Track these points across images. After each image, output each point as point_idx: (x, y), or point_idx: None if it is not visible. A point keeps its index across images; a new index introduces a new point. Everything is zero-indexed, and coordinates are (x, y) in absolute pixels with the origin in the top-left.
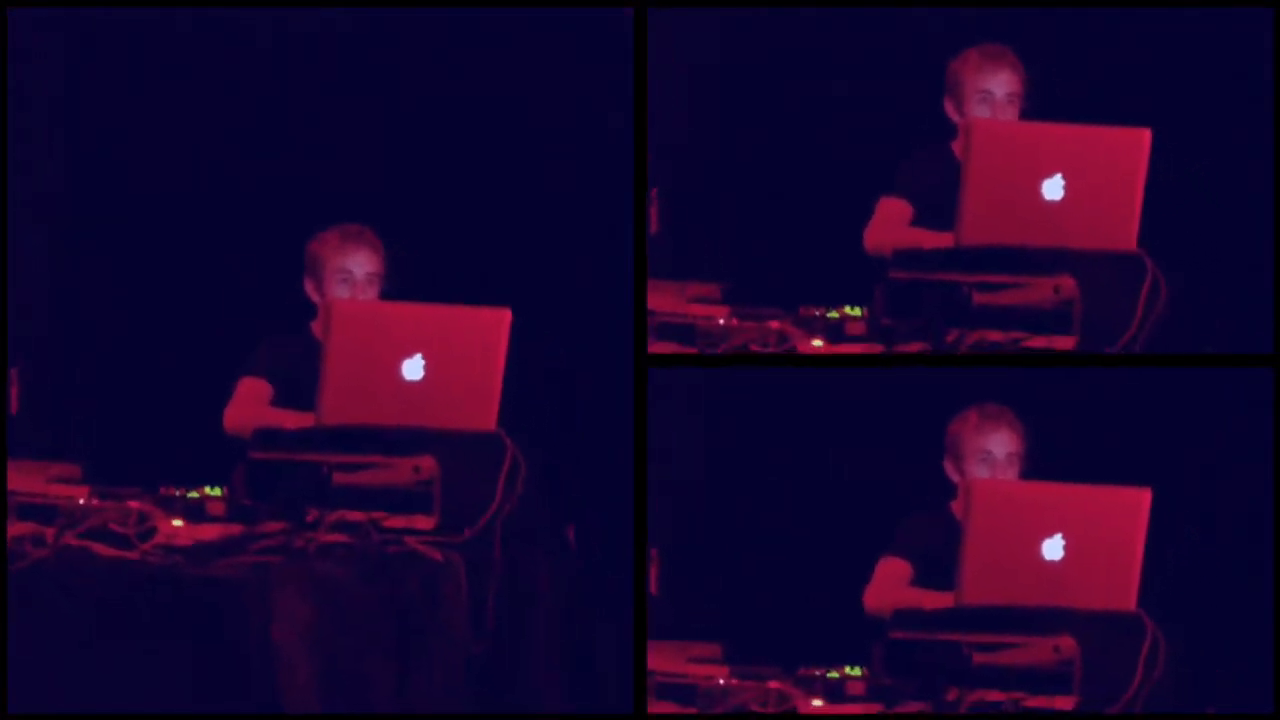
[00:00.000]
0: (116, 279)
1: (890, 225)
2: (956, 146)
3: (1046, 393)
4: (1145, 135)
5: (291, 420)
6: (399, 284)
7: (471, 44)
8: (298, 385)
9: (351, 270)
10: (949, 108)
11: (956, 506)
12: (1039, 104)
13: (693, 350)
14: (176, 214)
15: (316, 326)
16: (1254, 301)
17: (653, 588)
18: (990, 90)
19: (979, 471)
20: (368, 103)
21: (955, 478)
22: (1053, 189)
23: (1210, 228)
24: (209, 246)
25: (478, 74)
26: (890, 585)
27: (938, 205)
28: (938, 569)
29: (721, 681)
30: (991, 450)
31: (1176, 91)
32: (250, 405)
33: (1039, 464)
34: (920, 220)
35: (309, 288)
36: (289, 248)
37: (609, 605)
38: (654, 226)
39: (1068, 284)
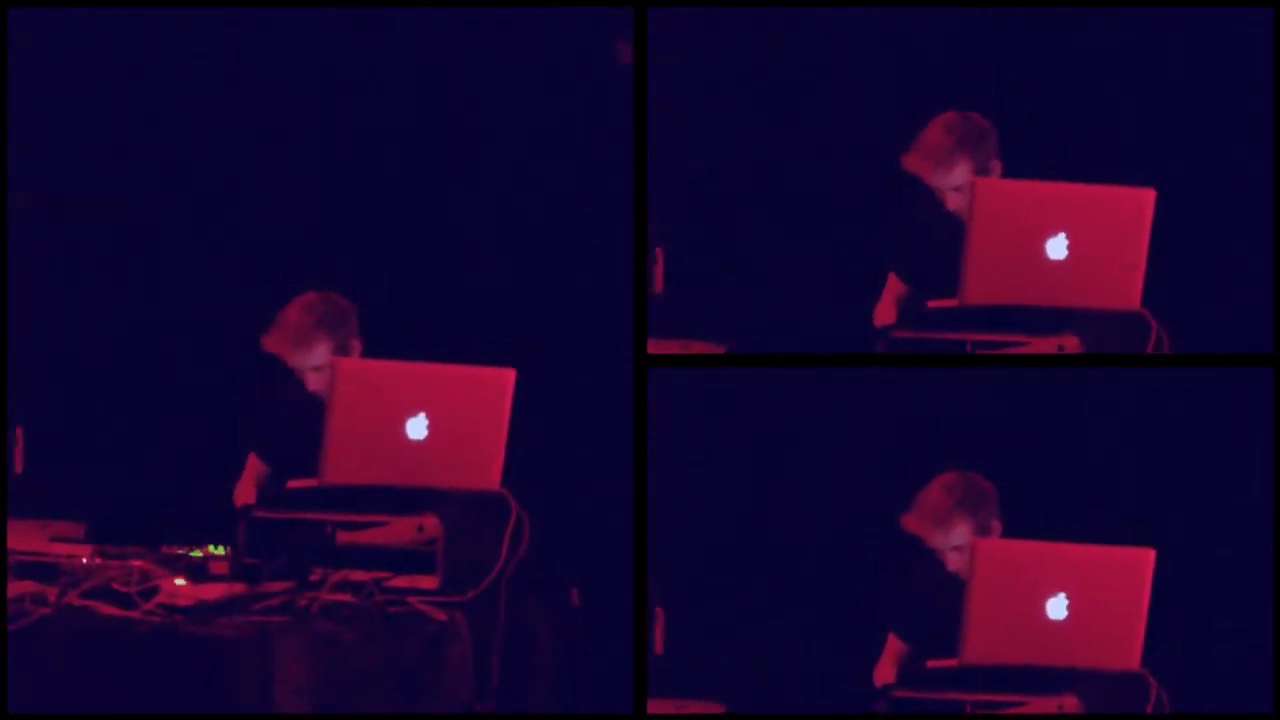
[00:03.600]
0: (120, 338)
1: (887, 303)
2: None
3: (1047, 393)
4: (1149, 195)
5: None
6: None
7: (464, 53)
8: (298, 440)
9: (298, 366)
10: None
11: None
12: (1041, 139)
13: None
14: (180, 270)
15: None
16: (1254, 301)
17: (658, 647)
18: (940, 188)
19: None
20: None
21: None
22: (1056, 248)
23: (1210, 228)
24: (213, 304)
25: (469, 88)
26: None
27: (933, 264)
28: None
29: None
30: (942, 548)
31: (1176, 91)
32: (253, 485)
33: (1040, 465)
34: (917, 286)
35: None
36: (293, 296)
37: (613, 665)
38: (659, 286)
39: (1072, 343)
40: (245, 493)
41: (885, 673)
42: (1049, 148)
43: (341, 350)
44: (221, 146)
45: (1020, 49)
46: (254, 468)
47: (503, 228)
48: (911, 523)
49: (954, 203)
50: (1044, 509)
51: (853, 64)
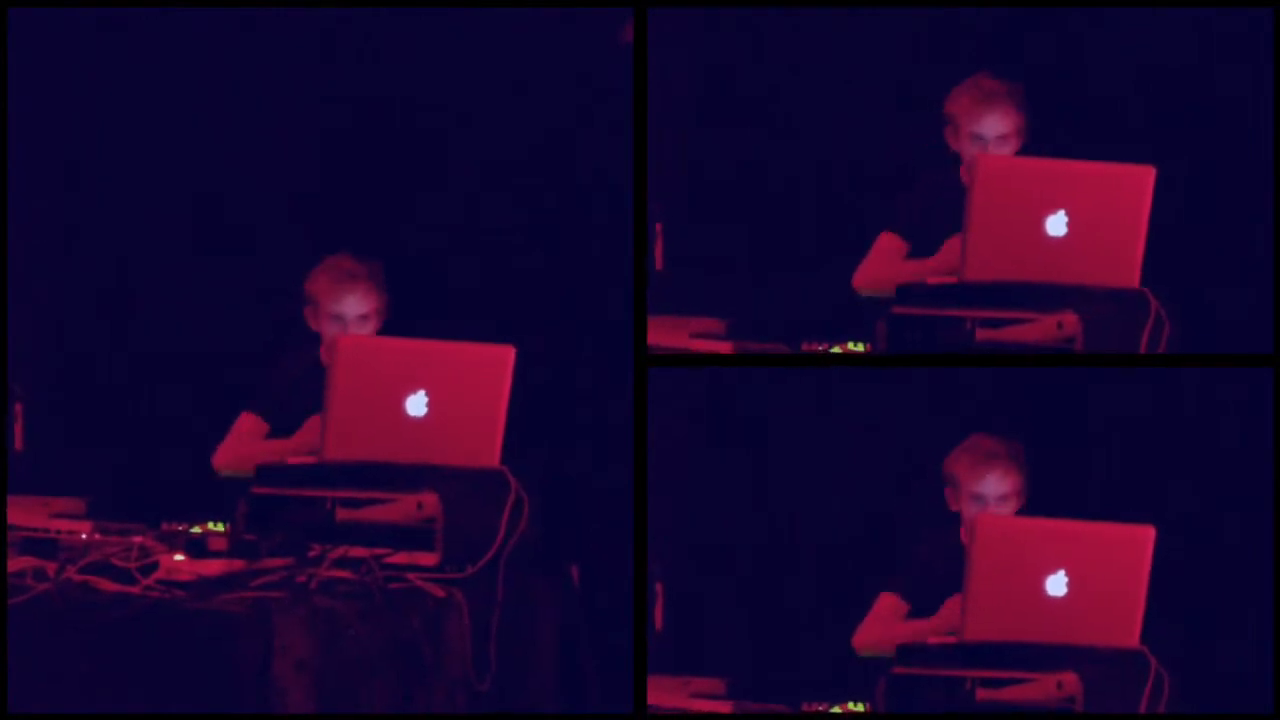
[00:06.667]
0: (120, 314)
1: (879, 262)
2: (963, 172)
3: (1047, 393)
4: (1149, 173)
5: (273, 450)
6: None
7: (465, 48)
8: (299, 409)
9: (343, 313)
10: (949, 137)
11: (963, 533)
12: (1040, 130)
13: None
14: (180, 248)
15: (323, 352)
16: (1254, 301)
17: (658, 622)
18: (981, 134)
19: (971, 512)
20: (365, 113)
21: (954, 507)
22: (1056, 225)
23: (1210, 227)
24: (212, 280)
25: (469, 80)
26: (876, 623)
27: (939, 234)
28: (941, 597)
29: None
30: (984, 494)
31: (1175, 92)
32: (238, 443)
33: (1040, 465)
34: (918, 252)
35: (308, 316)
36: (292, 276)
37: (612, 643)
38: (659, 263)
39: (1071, 320)
40: (226, 452)
41: (870, 631)
42: (1047, 150)
43: (380, 312)
44: (222, 135)
45: (1019, 50)
46: (245, 427)
47: (502, 225)
48: (956, 464)
49: (996, 150)
50: (1040, 510)
51: (855, 56)
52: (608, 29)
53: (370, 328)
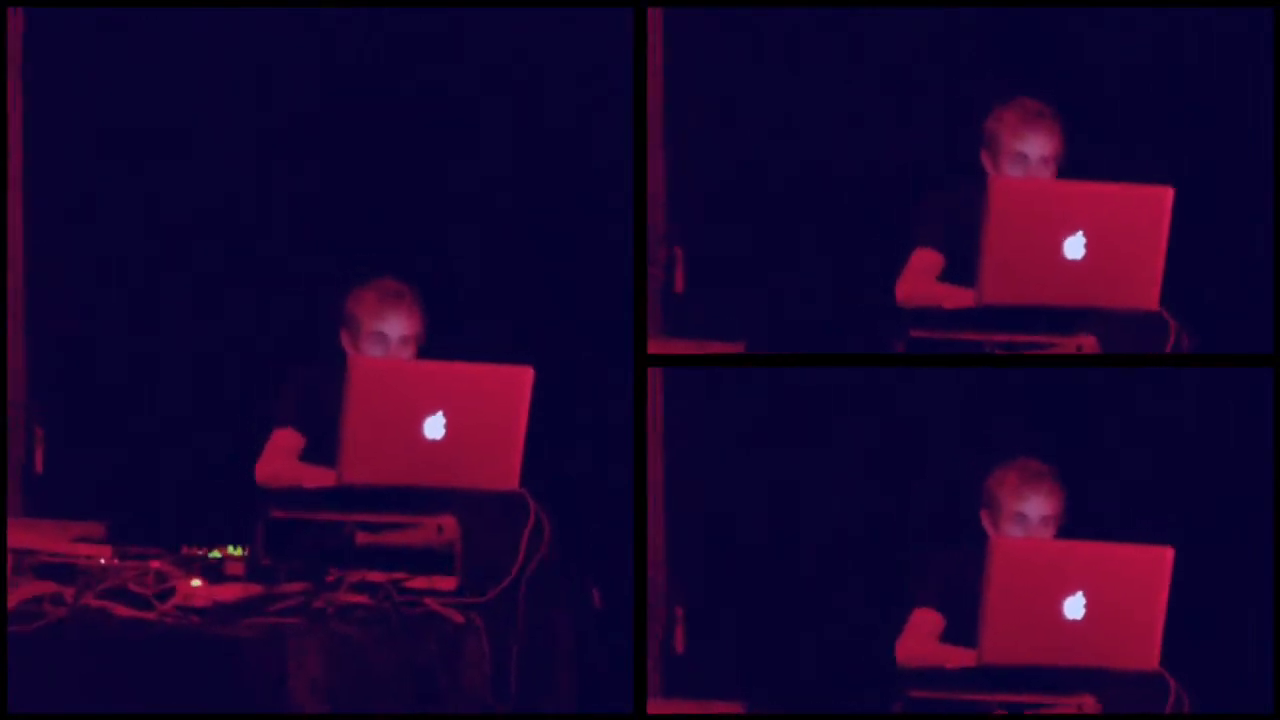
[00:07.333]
0: (140, 338)
1: (919, 278)
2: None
3: (1047, 393)
4: (1168, 194)
5: (320, 479)
6: None
7: (465, 49)
8: (330, 425)
9: (386, 334)
10: (985, 160)
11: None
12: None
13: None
14: (200, 269)
15: None
16: (1254, 301)
17: (679, 646)
18: (1025, 154)
19: (1013, 532)
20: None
21: (990, 530)
22: (1074, 247)
23: (1210, 227)
24: (233, 305)
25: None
26: (921, 639)
27: (968, 251)
28: (969, 613)
29: None
30: (1027, 514)
31: (1175, 92)
32: (281, 458)
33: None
34: (954, 267)
35: (345, 340)
36: (293, 284)
37: (614, 644)
38: (679, 285)
39: (1090, 343)
40: (267, 466)
41: (908, 647)
42: None
43: (420, 338)
44: (223, 139)
45: (1019, 50)
46: (281, 444)
47: (503, 225)
48: (1000, 484)
49: (1013, 172)
50: None
51: (866, 62)
52: (608, 29)
53: (409, 351)
